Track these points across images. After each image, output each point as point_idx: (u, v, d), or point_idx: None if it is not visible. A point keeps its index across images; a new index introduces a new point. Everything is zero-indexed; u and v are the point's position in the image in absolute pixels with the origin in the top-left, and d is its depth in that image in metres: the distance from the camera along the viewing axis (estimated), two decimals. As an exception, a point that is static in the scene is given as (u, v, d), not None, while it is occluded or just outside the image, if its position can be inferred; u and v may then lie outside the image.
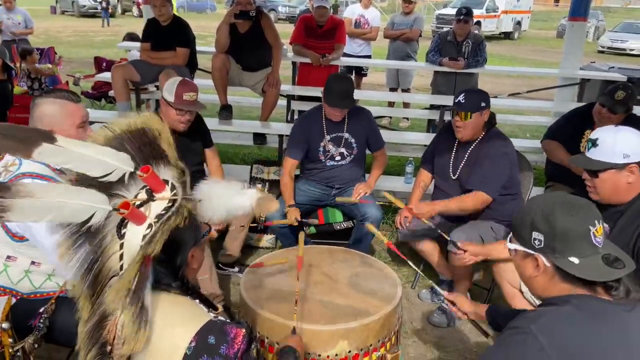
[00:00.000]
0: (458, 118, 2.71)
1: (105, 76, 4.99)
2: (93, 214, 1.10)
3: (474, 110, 2.67)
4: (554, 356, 1.08)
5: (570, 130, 3.30)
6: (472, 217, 2.78)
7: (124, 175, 1.15)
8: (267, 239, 3.57)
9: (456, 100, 2.72)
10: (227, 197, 1.21)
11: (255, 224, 3.40)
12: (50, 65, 6.49)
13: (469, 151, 2.78)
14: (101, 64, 6.58)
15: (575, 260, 1.19)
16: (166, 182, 1.16)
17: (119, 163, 1.14)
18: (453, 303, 1.86)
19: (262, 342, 1.88)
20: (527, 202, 1.36)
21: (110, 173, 1.13)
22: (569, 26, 5.16)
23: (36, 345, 1.82)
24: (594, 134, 1.96)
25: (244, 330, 1.14)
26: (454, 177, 2.86)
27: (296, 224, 2.90)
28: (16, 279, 1.84)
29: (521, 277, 1.34)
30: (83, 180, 1.14)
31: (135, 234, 1.11)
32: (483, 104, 2.69)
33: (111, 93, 4.83)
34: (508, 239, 1.35)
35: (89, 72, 6.93)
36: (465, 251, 2.38)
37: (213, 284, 2.76)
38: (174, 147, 1.19)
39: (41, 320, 1.82)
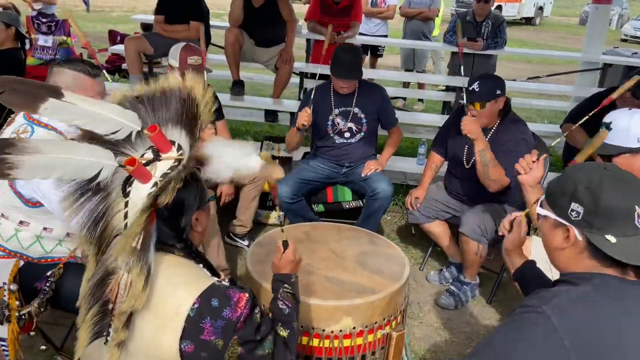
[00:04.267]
0: (472, 107, 2.61)
1: (119, 49, 4.96)
2: (100, 171, 1.10)
3: (489, 99, 2.57)
4: (566, 339, 1.02)
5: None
6: (487, 200, 2.72)
7: (130, 134, 1.14)
8: (275, 216, 3.55)
9: (470, 89, 2.61)
10: (234, 157, 1.19)
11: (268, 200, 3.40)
12: (65, 38, 6.47)
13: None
14: (115, 37, 6.55)
15: (612, 239, 1.10)
16: (172, 142, 1.15)
17: (125, 121, 1.13)
18: (528, 218, 1.66)
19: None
20: (569, 169, 1.22)
21: (117, 131, 1.13)
22: (592, 9, 4.99)
23: (42, 309, 1.82)
24: (607, 117, 1.92)
25: (247, 295, 1.15)
26: (467, 166, 2.80)
27: (305, 122, 2.81)
28: (27, 244, 1.84)
29: (545, 247, 1.26)
30: (90, 138, 1.13)
31: (140, 193, 1.10)
32: (498, 92, 2.59)
33: (124, 66, 4.80)
34: (539, 203, 1.26)
35: (104, 46, 6.91)
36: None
37: (220, 258, 2.75)
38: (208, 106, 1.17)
39: (47, 284, 1.83)
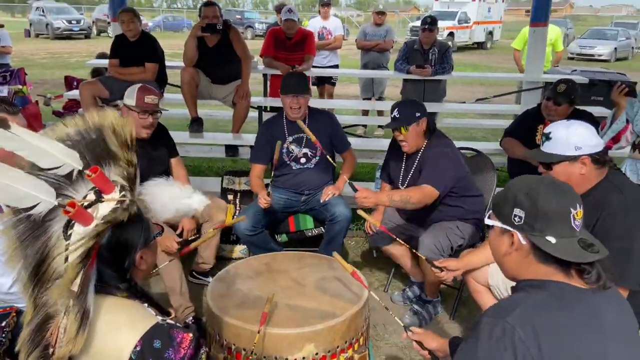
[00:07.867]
0: (398, 133, 2.75)
1: (75, 94, 4.95)
2: (36, 205, 1.10)
3: (409, 122, 2.71)
4: (532, 348, 1.08)
5: (524, 127, 3.53)
6: (437, 219, 2.82)
7: (72, 173, 1.15)
8: (239, 250, 3.56)
9: (391, 116, 2.77)
10: (170, 198, 1.22)
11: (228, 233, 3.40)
12: (20, 87, 6.40)
13: (416, 162, 2.83)
14: (72, 83, 6.50)
15: (552, 239, 1.19)
16: (115, 183, 1.16)
17: (68, 159, 1.14)
18: (419, 343, 1.74)
19: (229, 350, 1.87)
20: (512, 180, 1.33)
21: (59, 167, 1.14)
22: (530, 32, 5.27)
23: (-1, 360, 1.79)
24: (547, 129, 2.04)
25: (191, 335, 1.13)
26: (403, 187, 2.90)
27: (266, 203, 2.93)
28: None
29: (495, 256, 1.34)
30: (34, 171, 1.14)
31: (81, 236, 1.10)
32: (418, 114, 2.72)
33: (81, 111, 4.78)
34: (487, 215, 1.35)
35: (62, 92, 6.84)
36: (442, 269, 2.30)
37: (183, 296, 2.73)
38: (132, 143, 1.18)
39: (3, 335, 1.80)
